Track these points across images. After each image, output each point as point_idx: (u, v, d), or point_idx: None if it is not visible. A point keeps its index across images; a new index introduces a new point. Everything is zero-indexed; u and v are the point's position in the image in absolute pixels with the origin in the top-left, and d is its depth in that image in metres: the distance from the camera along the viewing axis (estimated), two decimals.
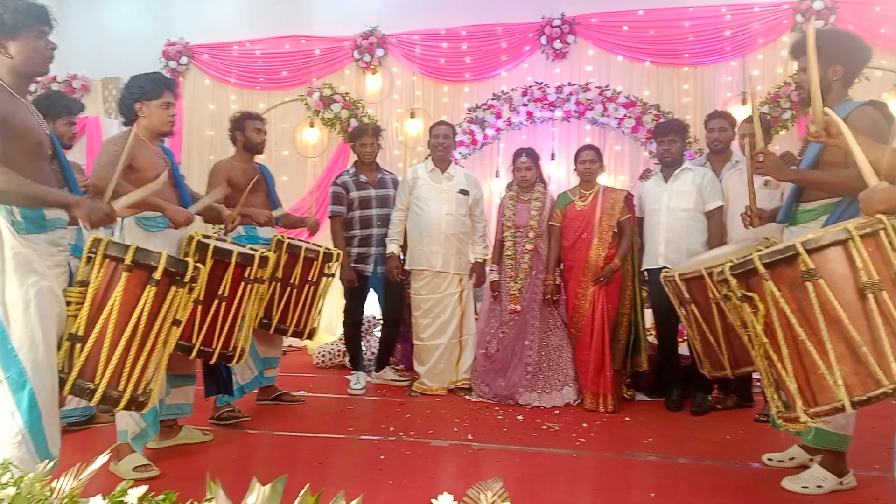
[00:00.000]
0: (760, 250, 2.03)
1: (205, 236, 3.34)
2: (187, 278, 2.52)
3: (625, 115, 6.55)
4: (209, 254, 3.17)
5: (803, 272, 1.86)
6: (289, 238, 4.10)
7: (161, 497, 1.82)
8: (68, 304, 2.39)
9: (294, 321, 4.05)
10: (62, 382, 2.38)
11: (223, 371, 3.77)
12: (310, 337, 4.25)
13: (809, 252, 1.86)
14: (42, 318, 2.28)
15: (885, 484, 2.78)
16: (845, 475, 2.88)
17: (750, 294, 1.98)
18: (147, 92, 3.21)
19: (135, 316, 2.40)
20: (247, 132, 4.32)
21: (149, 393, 2.54)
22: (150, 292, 2.41)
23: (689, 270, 2.70)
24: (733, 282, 2.01)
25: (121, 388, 2.41)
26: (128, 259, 2.38)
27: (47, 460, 2.02)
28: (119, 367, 2.39)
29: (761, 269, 1.92)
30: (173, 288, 2.49)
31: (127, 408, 2.45)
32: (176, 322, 2.56)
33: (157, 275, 2.42)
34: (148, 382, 2.52)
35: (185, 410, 3.56)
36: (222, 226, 3.82)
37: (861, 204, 1.97)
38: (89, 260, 2.42)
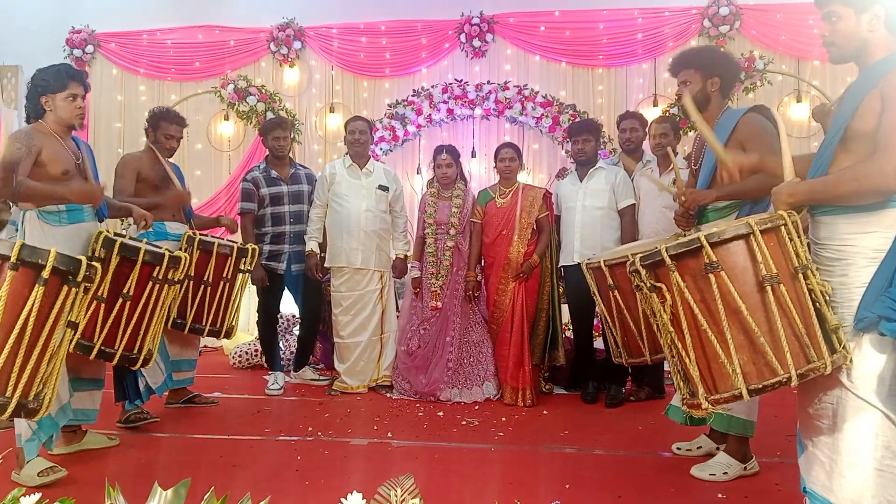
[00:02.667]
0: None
1: (116, 234, 3.20)
2: (80, 277, 2.36)
3: (542, 115, 6.67)
4: (115, 250, 3.04)
5: (706, 264, 1.93)
6: (200, 234, 3.95)
7: None
8: None
9: (209, 320, 3.91)
10: None
11: (128, 376, 3.63)
12: (227, 336, 4.10)
13: (713, 245, 1.93)
14: None
15: (785, 469, 2.93)
16: (749, 461, 3.01)
17: (658, 284, 2.04)
18: (51, 85, 3.08)
19: (21, 317, 2.22)
20: (157, 133, 4.16)
21: (41, 399, 2.37)
22: (38, 292, 2.25)
23: (614, 257, 2.78)
24: (643, 272, 2.07)
25: (7, 393, 2.24)
26: (13, 257, 2.21)
27: None
28: (6, 372, 2.22)
29: (668, 261, 1.98)
30: (65, 287, 2.34)
31: (15, 415, 2.28)
32: (71, 325, 2.40)
33: (46, 273, 2.26)
34: (39, 388, 2.36)
35: (90, 416, 3.39)
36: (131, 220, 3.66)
37: (772, 197, 2.07)
38: None
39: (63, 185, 3.05)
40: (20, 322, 2.23)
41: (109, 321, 3.04)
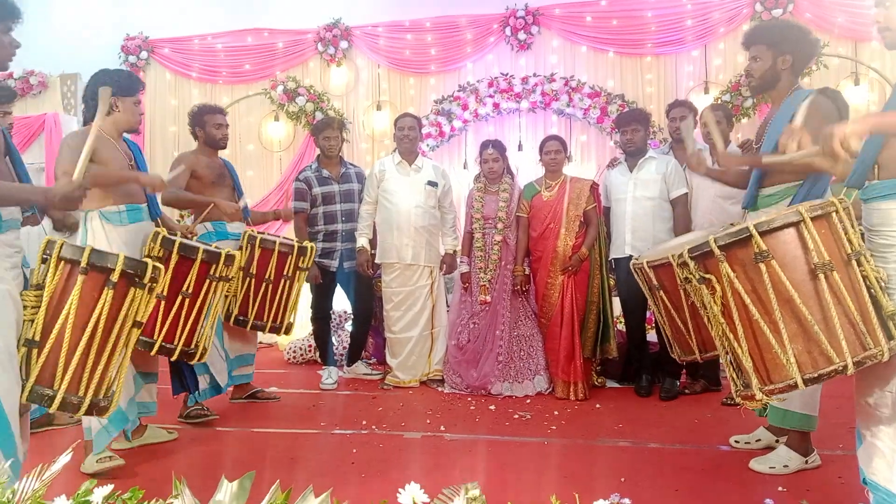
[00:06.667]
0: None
1: (170, 232, 3.32)
2: (146, 279, 2.44)
3: (590, 106, 6.60)
4: (175, 250, 3.16)
5: (756, 253, 1.90)
6: (260, 233, 4.07)
7: (127, 495, 1.80)
8: (24, 308, 2.31)
9: (271, 317, 4.06)
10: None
11: (186, 369, 3.76)
12: (287, 332, 4.25)
13: (762, 234, 1.90)
14: (0, 323, 2.21)
15: (848, 462, 2.85)
16: (810, 454, 2.94)
17: (708, 276, 2.01)
18: (123, 88, 3.21)
19: (93, 319, 2.32)
20: (206, 128, 4.24)
21: (111, 397, 2.48)
22: (107, 295, 2.34)
23: (657, 258, 2.75)
24: (692, 264, 2.05)
25: (80, 393, 2.34)
26: (83, 261, 2.31)
27: (5, 461, 1.98)
28: (78, 373, 2.32)
29: (717, 252, 1.96)
30: (132, 289, 2.42)
31: (88, 413, 2.38)
32: (136, 324, 2.50)
33: (115, 277, 2.34)
34: (109, 386, 2.46)
35: (150, 409, 3.52)
36: (190, 215, 3.80)
37: (829, 131, 1.82)
38: (44, 262, 2.34)
39: (128, 172, 3.23)
40: (91, 324, 2.32)
41: (170, 318, 3.16)
